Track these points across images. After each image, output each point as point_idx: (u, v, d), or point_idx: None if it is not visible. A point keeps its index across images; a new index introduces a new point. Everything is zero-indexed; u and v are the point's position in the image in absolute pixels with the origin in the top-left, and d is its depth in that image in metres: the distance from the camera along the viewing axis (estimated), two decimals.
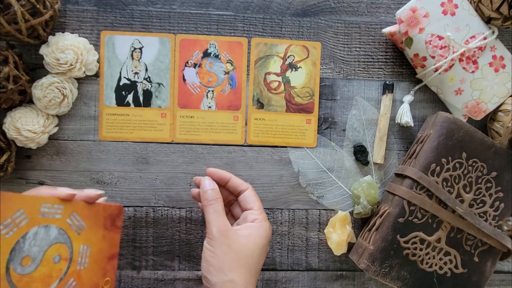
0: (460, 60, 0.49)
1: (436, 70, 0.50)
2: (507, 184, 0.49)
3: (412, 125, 0.52)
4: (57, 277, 0.33)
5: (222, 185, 0.46)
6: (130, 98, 0.51)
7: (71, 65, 0.46)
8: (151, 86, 0.51)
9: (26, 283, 0.31)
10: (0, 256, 0.29)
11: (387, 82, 0.53)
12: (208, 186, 0.43)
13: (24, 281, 0.31)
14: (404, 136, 0.54)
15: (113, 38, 0.51)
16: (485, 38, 0.49)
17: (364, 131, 0.53)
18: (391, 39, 0.53)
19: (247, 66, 0.52)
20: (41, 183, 0.50)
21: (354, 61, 0.53)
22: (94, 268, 0.38)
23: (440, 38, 0.48)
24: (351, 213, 0.53)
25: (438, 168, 0.47)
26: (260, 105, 0.52)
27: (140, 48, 0.51)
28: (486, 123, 0.54)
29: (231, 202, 0.48)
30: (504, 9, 0.46)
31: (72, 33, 0.49)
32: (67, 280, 0.34)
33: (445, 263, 0.48)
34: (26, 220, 0.31)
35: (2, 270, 0.29)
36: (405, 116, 0.52)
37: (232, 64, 0.52)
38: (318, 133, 0.53)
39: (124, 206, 0.51)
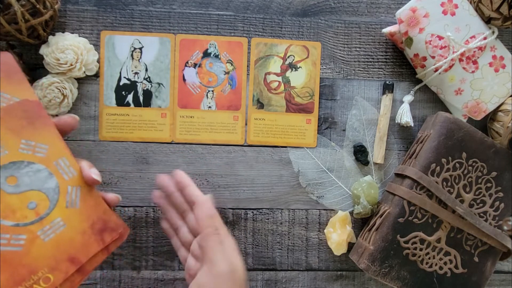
0: (460, 60, 0.49)
1: (436, 70, 0.50)
2: (507, 184, 0.49)
3: (412, 125, 0.52)
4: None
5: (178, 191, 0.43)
6: (130, 98, 0.51)
7: (71, 65, 0.46)
8: (151, 86, 0.51)
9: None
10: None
11: (387, 82, 0.53)
12: (209, 209, 0.37)
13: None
14: (404, 136, 0.54)
15: (113, 38, 0.51)
16: (485, 38, 0.49)
17: (364, 131, 0.53)
18: (391, 39, 0.53)
19: (247, 66, 0.52)
20: None
21: (354, 61, 0.53)
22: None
23: (440, 38, 0.48)
24: (351, 213, 0.53)
25: (438, 168, 0.47)
26: (260, 105, 0.52)
27: (140, 48, 0.51)
28: (486, 123, 0.54)
29: (185, 214, 0.44)
30: (504, 9, 0.46)
31: (72, 33, 0.49)
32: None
33: (445, 263, 0.48)
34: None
35: None
36: (405, 116, 0.52)
37: (232, 64, 0.52)
38: (318, 133, 0.53)
39: (124, 206, 0.51)
